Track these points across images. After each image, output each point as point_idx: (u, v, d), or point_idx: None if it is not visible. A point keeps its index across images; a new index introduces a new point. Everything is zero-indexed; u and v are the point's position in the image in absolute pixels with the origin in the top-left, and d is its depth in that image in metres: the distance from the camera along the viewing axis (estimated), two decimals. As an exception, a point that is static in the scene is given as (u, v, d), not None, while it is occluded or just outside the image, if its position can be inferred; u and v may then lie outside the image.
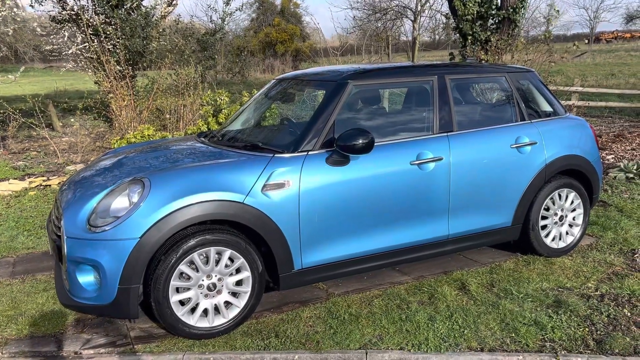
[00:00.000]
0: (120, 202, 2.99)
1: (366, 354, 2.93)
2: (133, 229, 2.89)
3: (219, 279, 3.14)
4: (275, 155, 3.28)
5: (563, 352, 2.90)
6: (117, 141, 7.39)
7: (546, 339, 3.04)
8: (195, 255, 3.03)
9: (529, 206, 4.03)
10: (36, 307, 3.55)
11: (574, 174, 4.24)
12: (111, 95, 10.80)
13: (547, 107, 4.26)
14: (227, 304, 3.19)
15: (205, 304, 3.12)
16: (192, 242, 3.00)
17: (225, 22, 11.86)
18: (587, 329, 3.13)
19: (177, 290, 3.05)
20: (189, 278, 3.06)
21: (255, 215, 3.13)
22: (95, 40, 10.93)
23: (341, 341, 3.06)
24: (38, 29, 13.24)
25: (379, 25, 24.74)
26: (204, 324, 3.12)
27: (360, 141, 3.22)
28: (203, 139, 3.99)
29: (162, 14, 11.54)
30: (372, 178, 3.44)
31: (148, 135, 7.27)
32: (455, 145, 3.70)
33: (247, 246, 3.15)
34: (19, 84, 13.67)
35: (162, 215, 2.92)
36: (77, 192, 3.27)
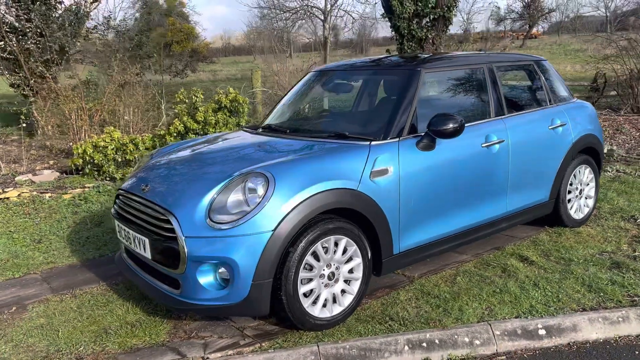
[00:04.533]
0: (244, 196, 2.87)
1: (490, 325, 3.09)
2: (266, 222, 2.80)
3: (337, 268, 3.13)
4: (372, 142, 3.32)
5: (654, 304, 3.27)
6: (80, 146, 6.86)
7: (631, 294, 3.40)
8: (319, 245, 3.00)
9: (560, 182, 4.42)
10: (117, 319, 3.27)
11: (588, 151, 4.71)
12: (34, 99, 9.93)
13: (563, 92, 4.70)
14: (342, 292, 3.19)
15: (325, 294, 3.10)
16: (317, 232, 2.96)
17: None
18: (657, 283, 3.54)
19: (301, 281, 2.99)
20: (311, 269, 3.02)
21: (367, 202, 3.16)
22: (14, 39, 10.00)
23: (460, 317, 3.19)
24: None
25: (282, 24, 24.86)
26: (325, 314, 3.09)
27: (451, 125, 3.36)
28: (266, 131, 3.92)
29: (86, 10, 10.79)
30: (455, 161, 3.60)
31: (117, 137, 6.84)
32: (511, 127, 3.97)
33: (359, 233, 3.17)
34: None
35: (293, 206, 2.86)
36: (176, 189, 3.08)
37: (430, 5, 10.50)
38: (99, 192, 6.35)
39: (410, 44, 10.73)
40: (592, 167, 4.73)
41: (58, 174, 7.32)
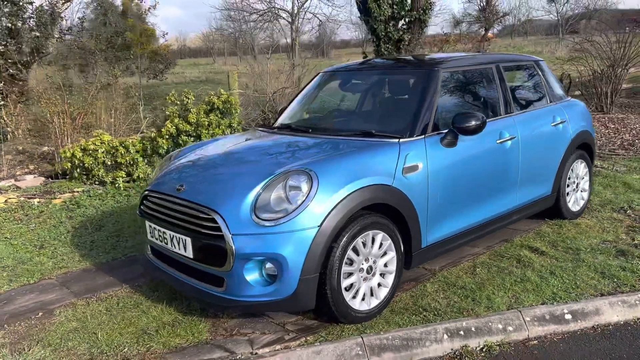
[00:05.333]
0: (286, 193, 2.92)
1: (520, 312, 3.24)
2: (312, 218, 2.86)
3: (374, 262, 3.22)
4: (400, 140, 3.43)
5: (665, 287, 3.50)
6: (68, 150, 6.70)
7: (642, 279, 3.63)
8: (359, 240, 3.08)
9: (561, 176, 4.64)
10: (153, 320, 3.26)
11: (583, 146, 4.95)
12: (3, 103, 9.65)
13: (560, 90, 4.93)
14: (378, 285, 3.27)
15: (364, 287, 3.18)
16: (358, 227, 3.04)
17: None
18: (662, 268, 3.79)
19: (343, 276, 3.06)
20: (351, 263, 3.10)
21: (400, 197, 3.26)
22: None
23: (490, 305, 3.33)
24: None
25: (245, 27, 24.77)
26: (364, 307, 3.18)
27: (474, 122, 3.50)
28: (284, 130, 3.97)
29: (59, 10, 10.52)
30: (474, 157, 3.75)
31: (107, 141, 6.72)
32: (519, 124, 4.16)
33: (393, 228, 3.27)
34: None
35: (336, 202, 2.93)
36: (215, 187, 3.11)
37: (406, 8, 10.74)
38: (90, 196, 6.23)
39: (387, 45, 10.94)
40: (587, 162, 4.99)
41: (43, 178, 7.13)
